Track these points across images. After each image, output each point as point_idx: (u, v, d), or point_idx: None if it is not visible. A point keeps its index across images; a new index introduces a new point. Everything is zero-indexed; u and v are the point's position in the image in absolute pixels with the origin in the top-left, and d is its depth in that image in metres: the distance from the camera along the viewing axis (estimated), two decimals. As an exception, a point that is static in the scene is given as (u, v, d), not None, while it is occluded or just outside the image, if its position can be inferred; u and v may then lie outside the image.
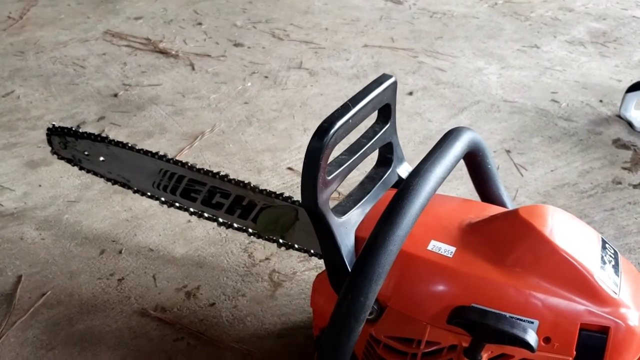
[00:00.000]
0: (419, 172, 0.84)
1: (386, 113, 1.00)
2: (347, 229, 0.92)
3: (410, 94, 2.06)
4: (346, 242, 0.91)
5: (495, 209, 0.98)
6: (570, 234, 0.85)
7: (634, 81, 1.92)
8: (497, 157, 1.72)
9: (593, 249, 0.85)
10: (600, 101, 2.00)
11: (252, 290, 1.29)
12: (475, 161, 0.99)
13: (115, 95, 2.05)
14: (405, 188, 0.82)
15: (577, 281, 0.80)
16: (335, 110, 0.87)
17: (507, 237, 0.85)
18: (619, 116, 1.89)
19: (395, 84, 0.97)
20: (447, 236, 0.89)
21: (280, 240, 1.20)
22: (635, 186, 1.60)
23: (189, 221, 1.48)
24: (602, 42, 2.42)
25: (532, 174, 1.65)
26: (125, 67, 2.24)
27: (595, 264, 0.82)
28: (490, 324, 0.80)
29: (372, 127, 1.00)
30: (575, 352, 0.81)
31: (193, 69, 2.22)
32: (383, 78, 0.96)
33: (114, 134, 1.84)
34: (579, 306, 0.80)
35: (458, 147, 0.90)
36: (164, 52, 2.34)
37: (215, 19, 2.65)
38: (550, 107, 1.96)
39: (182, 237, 1.44)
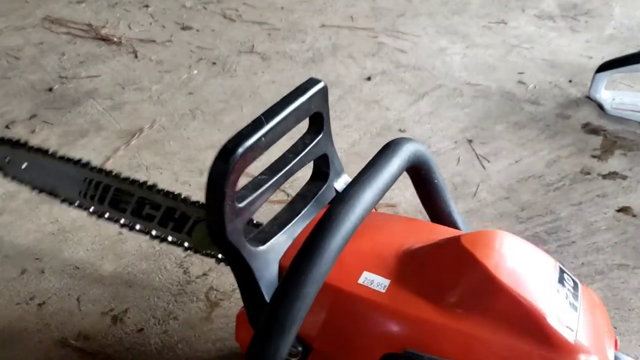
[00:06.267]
0: (343, 199, 0.71)
1: (318, 122, 0.87)
2: (268, 258, 0.80)
3: (369, 79, 1.92)
4: (266, 274, 0.79)
5: (441, 231, 0.86)
6: (521, 266, 0.74)
7: (605, 58, 1.81)
8: (458, 148, 1.60)
9: (548, 283, 0.74)
10: (570, 81, 1.88)
11: (185, 312, 1.17)
12: (419, 176, 0.87)
13: (50, 89, 1.90)
14: (326, 219, 0.70)
15: (527, 324, 0.69)
16: (246, 127, 0.74)
17: (447, 270, 0.74)
18: (589, 97, 1.78)
19: (325, 89, 0.84)
20: (382, 266, 0.78)
21: (219, 256, 1.09)
22: (604, 176, 1.50)
23: (120, 233, 1.35)
24: (572, 16, 2.29)
25: (495, 165, 1.54)
26: (62, 58, 2.07)
27: (549, 302, 0.71)
28: None
29: (301, 138, 0.88)
30: None
31: (136, 57, 2.06)
32: (310, 84, 0.83)
33: (45, 134, 1.69)
34: (530, 353, 0.68)
35: (395, 164, 0.78)
36: (105, 39, 2.17)
37: (163, 0, 2.48)
38: (516, 90, 1.84)
39: (111, 251, 1.31)
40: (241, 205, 0.75)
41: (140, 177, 1.51)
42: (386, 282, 0.76)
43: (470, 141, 1.63)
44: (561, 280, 0.75)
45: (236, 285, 1.20)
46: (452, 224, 0.90)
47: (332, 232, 0.68)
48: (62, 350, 1.11)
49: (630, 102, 1.71)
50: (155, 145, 1.63)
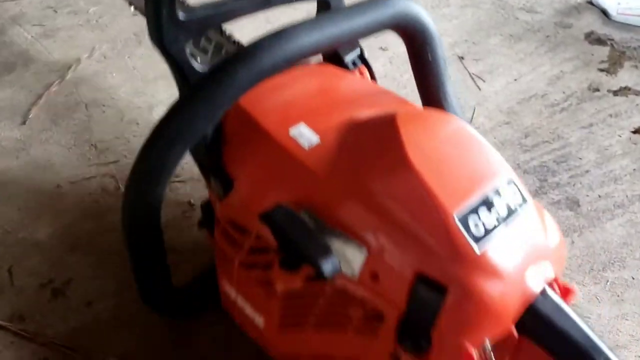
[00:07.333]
0: (274, 36, 0.68)
1: None
2: None
3: (341, -11, 1.68)
4: None
5: (406, 108, 0.79)
6: (450, 159, 0.65)
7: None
8: (449, 67, 1.39)
9: (478, 186, 0.63)
10: (568, -16, 1.67)
11: (140, 280, 0.99)
12: (413, 46, 0.81)
13: (-34, 16, 1.62)
14: (247, 48, 0.68)
15: (431, 220, 0.60)
16: None
17: (372, 145, 0.68)
18: (591, 2, 1.58)
19: None
20: (321, 124, 0.74)
21: None
22: (615, 93, 1.32)
23: (59, 186, 1.14)
24: None
25: (492, 85, 1.35)
26: (-19, -23, 1.77)
27: (467, 206, 0.61)
28: (289, 231, 0.64)
29: None
30: (406, 306, 0.61)
31: (69, -27, 1.77)
32: None
33: (-37, 70, 1.43)
34: (421, 250, 0.60)
35: (367, 16, 0.73)
36: (31, -47, 1.86)
37: None
38: (509, -4, 1.63)
39: (49, 209, 1.11)
40: (184, 18, 0.74)
41: (80, 117, 1.31)
42: (315, 139, 0.72)
43: (461, 58, 1.43)
44: (499, 191, 0.63)
45: (196, 243, 1.03)
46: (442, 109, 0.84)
47: (243, 64, 0.67)
48: (-7, 334, 0.93)
49: (638, 6, 1.52)
50: (96, 78, 1.40)
